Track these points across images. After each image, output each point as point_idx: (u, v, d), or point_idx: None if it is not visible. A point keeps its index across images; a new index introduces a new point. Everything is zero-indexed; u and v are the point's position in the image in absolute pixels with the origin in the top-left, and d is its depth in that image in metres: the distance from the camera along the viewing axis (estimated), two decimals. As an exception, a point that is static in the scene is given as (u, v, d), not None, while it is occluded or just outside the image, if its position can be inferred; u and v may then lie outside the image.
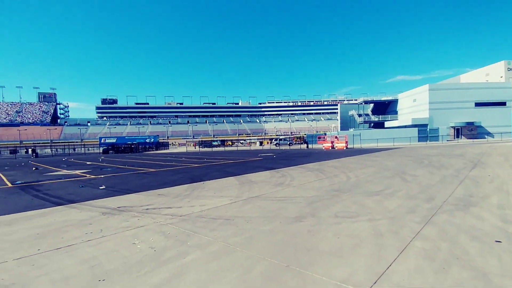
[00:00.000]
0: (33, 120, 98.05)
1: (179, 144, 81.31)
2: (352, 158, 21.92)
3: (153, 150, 59.07)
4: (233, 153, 38.25)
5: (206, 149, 58.94)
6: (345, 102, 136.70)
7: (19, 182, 14.37)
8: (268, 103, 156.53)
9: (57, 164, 26.98)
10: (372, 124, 70.26)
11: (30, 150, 58.46)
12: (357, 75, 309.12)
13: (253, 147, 58.39)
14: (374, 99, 71.40)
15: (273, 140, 68.24)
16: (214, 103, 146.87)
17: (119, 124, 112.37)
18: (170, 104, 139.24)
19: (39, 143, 75.69)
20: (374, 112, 72.32)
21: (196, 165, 20.99)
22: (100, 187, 11.67)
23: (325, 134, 53.01)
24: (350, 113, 76.14)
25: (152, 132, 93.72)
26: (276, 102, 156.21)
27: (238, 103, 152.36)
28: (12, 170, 21.84)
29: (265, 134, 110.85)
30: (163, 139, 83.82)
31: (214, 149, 58.25)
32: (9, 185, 13.52)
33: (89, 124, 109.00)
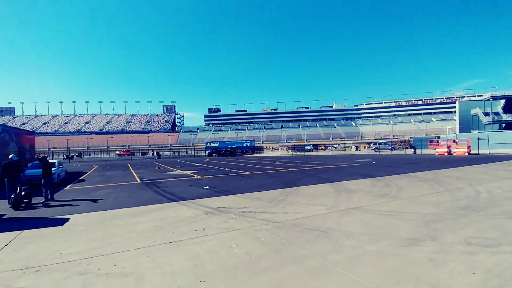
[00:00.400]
0: (158, 128, 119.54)
1: (272, 148, 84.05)
2: (478, 167, 17.73)
3: (249, 154, 62.96)
4: (326, 157, 36.80)
5: (298, 153, 58.86)
6: (465, 98, 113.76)
7: (146, 179, 17.37)
8: (365, 104, 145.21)
9: (173, 164, 31.71)
10: (503, 125, 56.07)
11: (155, 152, 71.17)
12: (480, 66, 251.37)
13: (348, 152, 54.93)
14: (506, 94, 56.88)
15: (371, 145, 62.54)
16: (307, 107, 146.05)
17: (222, 130, 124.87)
18: (265, 110, 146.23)
19: (162, 146, 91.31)
20: (506, 110, 57.53)
21: (289, 169, 20.99)
22: (205, 187, 12.88)
23: (438, 138, 45.00)
24: (473, 111, 62.77)
25: (249, 137, 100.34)
26: (374, 103, 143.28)
27: (332, 106, 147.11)
28: (142, 168, 26.77)
29: (361, 138, 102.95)
30: (258, 144, 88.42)
31: (307, 153, 57.55)
32: (139, 181, 16.50)
33: (198, 130, 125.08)
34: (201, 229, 6.10)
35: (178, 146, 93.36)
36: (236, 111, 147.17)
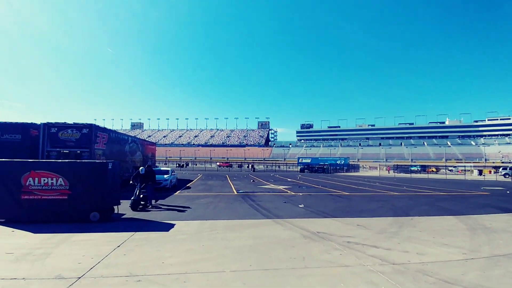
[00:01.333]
0: (253, 143, 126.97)
1: (370, 167, 76.64)
2: None
3: (343, 172, 59.00)
4: (441, 182, 30.62)
5: (402, 174, 51.48)
6: None
7: (242, 191, 17.85)
8: (488, 120, 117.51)
9: (267, 178, 32.25)
10: None
11: (250, 165, 75.04)
12: None
13: (468, 177, 44.67)
14: None
15: (500, 169, 49.39)
16: (412, 123, 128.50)
17: (314, 146, 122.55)
18: (361, 126, 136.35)
19: (256, 160, 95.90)
20: None
21: (394, 193, 18.07)
22: (299, 205, 12.09)
23: None
24: None
25: (343, 154, 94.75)
26: (500, 119, 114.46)
27: (443, 122, 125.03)
28: (238, 180, 28.10)
29: (484, 160, 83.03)
30: (353, 161, 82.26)
31: (413, 175, 49.72)
32: (235, 192, 17.04)
33: (290, 146, 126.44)
34: (300, 257, 5.31)
35: (271, 160, 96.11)
36: (329, 127, 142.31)
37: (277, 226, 8.01)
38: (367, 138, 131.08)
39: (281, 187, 21.39)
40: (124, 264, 4.79)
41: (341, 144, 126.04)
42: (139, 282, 4.07)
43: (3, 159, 8.18)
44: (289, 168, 71.89)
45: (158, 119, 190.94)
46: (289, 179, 31.23)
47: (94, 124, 16.56)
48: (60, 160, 8.21)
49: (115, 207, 9.32)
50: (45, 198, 7.99)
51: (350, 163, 73.29)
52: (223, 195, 15.76)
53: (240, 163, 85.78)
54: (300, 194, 16.80)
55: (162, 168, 21.89)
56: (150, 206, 11.00)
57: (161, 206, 11.43)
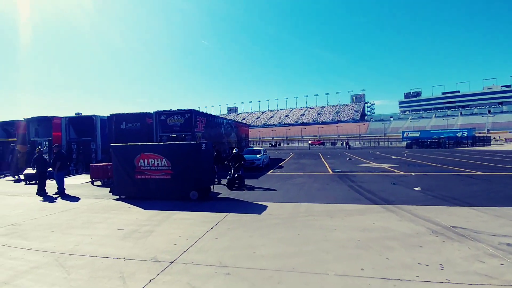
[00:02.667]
0: (347, 118, 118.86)
1: (505, 139, 60.75)
2: None
3: (466, 146, 48.35)
4: None
5: (561, 148, 38.43)
6: None
7: (337, 170, 16.31)
8: None
9: (365, 156, 29.19)
10: None
11: (344, 142, 70.61)
12: None
13: None
14: None
15: None
16: None
17: (422, 117, 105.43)
18: (490, 88, 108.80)
19: (351, 137, 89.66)
20: None
21: (560, 173, 13.11)
22: (415, 188, 9.91)
23: None
24: None
25: (464, 125, 78.03)
26: None
27: None
28: (332, 159, 26.29)
29: None
30: (480, 133, 66.55)
31: None
32: (330, 172, 15.67)
33: (391, 119, 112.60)
34: (435, 264, 3.85)
35: (368, 136, 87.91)
36: (443, 93, 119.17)
37: (390, 215, 6.48)
38: (500, 103, 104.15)
39: (385, 165, 18.69)
40: (215, 250, 4.44)
41: (461, 113, 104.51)
42: (228, 276, 3.56)
43: (122, 144, 9.29)
44: (391, 144, 64.20)
45: (250, 102, 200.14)
46: (393, 156, 27.36)
47: (194, 110, 17.73)
48: (162, 143, 8.77)
49: (212, 186, 9.55)
50: (153, 178, 8.71)
51: (476, 134, 59.70)
52: (318, 174, 14.65)
53: (333, 141, 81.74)
54: (413, 174, 14.09)
55: (254, 148, 22.29)
56: (243, 186, 10.93)
57: (254, 186, 11.26)
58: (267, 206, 7.53)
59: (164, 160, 8.63)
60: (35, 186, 10.32)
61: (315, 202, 7.97)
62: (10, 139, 18.27)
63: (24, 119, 18.46)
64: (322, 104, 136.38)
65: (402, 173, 14.54)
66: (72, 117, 18.80)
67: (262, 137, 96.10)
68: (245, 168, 17.50)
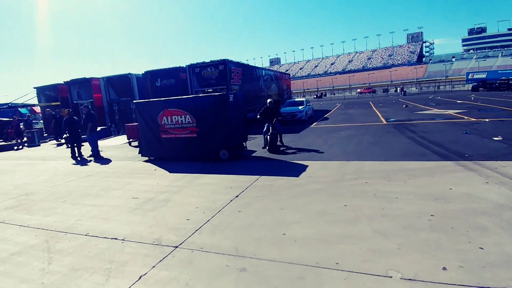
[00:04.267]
0: (401, 61, 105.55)
1: None
2: None
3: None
4: None
5: None
6: None
7: (392, 119, 14.05)
8: None
9: (424, 102, 25.40)
10: None
11: (398, 88, 63.52)
12: None
13: None
14: None
15: None
16: None
17: (488, 57, 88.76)
18: None
19: (406, 82, 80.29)
20: None
21: None
22: (495, 138, 7.73)
23: None
24: None
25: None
26: None
27: None
28: (385, 107, 23.29)
29: None
30: None
31: None
32: (384, 122, 13.53)
33: (453, 59, 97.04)
34: None
35: (427, 80, 77.66)
36: (509, 29, 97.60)
37: (471, 176, 4.80)
38: None
39: (450, 111, 15.71)
40: (233, 229, 3.45)
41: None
42: (243, 273, 2.54)
43: (144, 100, 8.53)
44: (453, 87, 56.16)
45: (293, 51, 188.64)
46: (458, 101, 23.31)
47: (228, 59, 16.21)
48: (185, 96, 7.76)
49: (245, 144, 8.52)
50: (179, 137, 7.92)
51: None
52: (369, 125, 12.71)
53: (385, 87, 74.31)
54: (486, 120, 11.40)
55: (296, 99, 20.45)
56: (281, 142, 9.64)
57: (293, 141, 9.97)
58: (307, 166, 6.29)
59: (188, 116, 7.69)
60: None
61: (367, 160, 6.49)
62: (53, 103, 19.09)
63: (64, 82, 18.93)
64: (373, 47, 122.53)
65: (473, 119, 11.89)
66: (109, 77, 18.75)
67: (307, 89, 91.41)
68: (285, 122, 16.14)
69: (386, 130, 10.80)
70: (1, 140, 17.37)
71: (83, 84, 19.19)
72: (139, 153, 8.74)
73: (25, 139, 15.91)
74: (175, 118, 7.83)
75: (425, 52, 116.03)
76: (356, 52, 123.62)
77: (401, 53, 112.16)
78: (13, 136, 15.73)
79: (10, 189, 6.25)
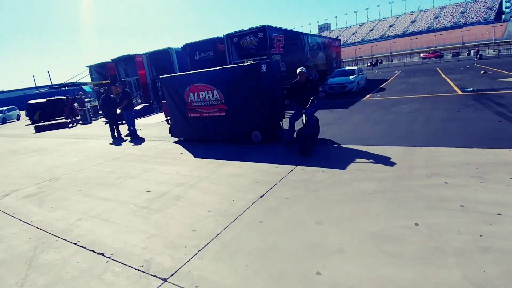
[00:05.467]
0: (476, 20, 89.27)
1: None
2: None
3: None
4: None
5: None
6: None
7: (470, 89, 11.36)
8: None
9: (508, 67, 20.69)
10: None
11: (472, 51, 54.16)
12: None
13: None
14: None
15: None
16: None
17: None
18: None
19: (481, 43, 68.12)
20: None
21: None
22: None
23: None
24: None
25: None
26: None
27: None
28: (457, 73, 19.51)
29: None
30: None
31: None
32: (458, 92, 10.99)
33: (550, 10, 78.74)
34: None
35: (507, 41, 64.70)
36: None
37: None
38: None
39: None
40: (248, 254, 2.47)
41: None
42: None
43: (169, 75, 7.77)
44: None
45: (345, 14, 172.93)
46: None
47: (268, 25, 14.56)
48: (212, 69, 6.76)
49: (281, 123, 7.34)
50: (206, 116, 7.05)
51: None
52: (438, 96, 10.41)
53: (456, 51, 64.31)
54: None
55: (346, 68, 18.09)
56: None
57: (341, 118, 8.46)
58: (357, 153, 4.96)
59: (215, 92, 6.71)
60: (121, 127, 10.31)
61: (443, 145, 4.87)
62: (104, 81, 19.74)
63: (112, 60, 19.29)
64: (441, 3, 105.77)
65: None
66: (150, 52, 18.59)
67: (359, 56, 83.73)
68: (334, 95, 14.37)
69: (463, 103, 8.58)
70: (61, 118, 18.81)
71: (129, 61, 19.39)
72: (169, 133, 8.18)
73: (79, 117, 16.84)
74: (202, 95, 6.93)
75: (505, 8, 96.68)
76: (421, 10, 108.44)
77: (475, 10, 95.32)
78: (68, 114, 16.76)
79: (41, 172, 6.14)
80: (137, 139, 8.97)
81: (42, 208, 4.09)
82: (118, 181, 4.92)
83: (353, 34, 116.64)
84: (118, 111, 9.78)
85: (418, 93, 11.86)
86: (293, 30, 17.70)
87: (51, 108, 20.39)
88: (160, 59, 18.16)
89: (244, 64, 6.49)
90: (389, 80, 20.07)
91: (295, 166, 4.66)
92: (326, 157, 5.02)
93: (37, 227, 3.49)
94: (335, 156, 5.02)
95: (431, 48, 73.28)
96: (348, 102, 11.65)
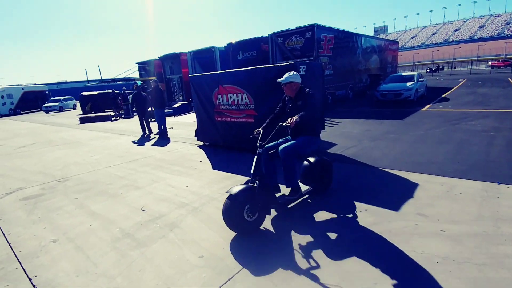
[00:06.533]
0: None
1: None
2: None
3: None
4: None
5: None
6: None
7: None
8: None
9: None
10: None
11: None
12: None
13: None
14: None
15: None
16: None
17: None
18: None
19: None
20: None
21: None
22: None
23: None
24: None
25: None
26: None
27: None
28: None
29: None
30: None
31: None
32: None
33: None
34: None
35: None
36: None
37: None
38: None
39: None
40: None
41: None
42: None
43: (198, 74, 7.12)
44: None
45: (406, 16, 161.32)
46: None
47: (317, 24, 13.39)
48: (243, 69, 5.93)
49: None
50: (234, 121, 6.24)
51: None
52: (523, 113, 8.34)
53: (534, 59, 55.61)
54: None
55: (403, 73, 16.04)
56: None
57: (393, 134, 7.05)
58: (416, 186, 3.71)
59: (245, 95, 5.87)
60: (153, 124, 10.14)
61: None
62: (150, 78, 20.22)
63: (158, 57, 19.68)
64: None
65: None
66: (195, 51, 18.53)
67: (418, 61, 77.06)
68: (386, 103, 12.74)
69: None
70: (110, 110, 19.74)
71: (174, 59, 19.63)
72: (195, 136, 7.56)
73: (122, 111, 17.39)
74: (230, 97, 6.14)
75: None
76: (491, 15, 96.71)
77: None
78: (112, 107, 17.42)
79: (57, 169, 5.88)
80: (164, 139, 8.56)
81: (29, 216, 3.62)
82: (121, 190, 4.32)
83: (412, 37, 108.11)
84: (150, 108, 9.58)
85: (491, 107, 9.75)
86: (345, 30, 16.16)
87: (102, 100, 21.55)
88: (203, 57, 17.99)
89: (279, 64, 5.54)
90: (453, 89, 17.42)
91: (330, 193, 3.59)
92: (371, 187, 3.85)
93: (9, 244, 2.96)
94: (384, 187, 3.82)
95: (501, 56, 64.39)
96: (403, 112, 10.04)
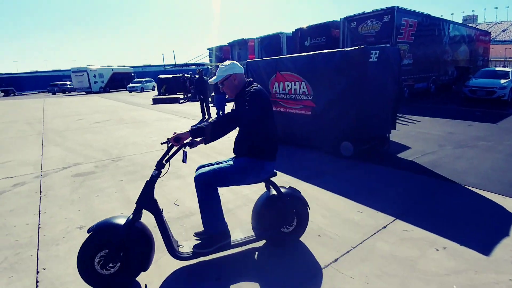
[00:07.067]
0: None
1: None
2: None
3: None
4: None
5: None
6: None
7: None
8: None
9: None
10: None
11: None
12: None
13: None
14: None
15: None
16: None
17: None
18: None
19: None
20: None
21: None
22: None
23: None
24: None
25: None
26: None
27: None
28: None
29: None
30: None
31: None
32: None
33: None
34: None
35: None
36: None
37: None
38: None
39: None
40: None
41: None
42: None
43: (256, 59, 6.64)
44: None
45: (496, 8, 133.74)
46: None
47: (398, 7, 11.62)
48: (302, 54, 5.22)
49: (388, 135, 5.20)
50: (290, 112, 5.63)
51: None
52: None
53: None
54: None
55: (497, 69, 13.09)
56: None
57: (483, 140, 5.51)
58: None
59: (303, 84, 5.18)
60: (212, 109, 10.20)
61: None
62: (218, 64, 20.65)
63: (227, 43, 19.90)
64: None
65: None
66: (262, 37, 18.15)
67: (509, 57, 63.06)
68: (477, 101, 10.54)
69: None
70: (181, 93, 20.96)
71: (242, 45, 19.64)
72: (249, 125, 7.18)
73: (190, 94, 18.22)
74: (287, 86, 5.52)
75: None
76: None
77: None
78: (182, 90, 18.35)
79: (118, 147, 6.19)
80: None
81: (71, 195, 3.71)
82: (162, 178, 4.18)
83: (503, 31, 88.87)
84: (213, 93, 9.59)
85: None
86: (430, 15, 13.66)
87: (175, 83, 23.04)
88: (270, 44, 17.49)
89: (345, 49, 4.68)
90: None
91: (394, 218, 2.79)
92: (453, 213, 2.87)
93: (38, 225, 2.95)
94: (470, 215, 2.81)
95: None
96: (496, 114, 8.08)
